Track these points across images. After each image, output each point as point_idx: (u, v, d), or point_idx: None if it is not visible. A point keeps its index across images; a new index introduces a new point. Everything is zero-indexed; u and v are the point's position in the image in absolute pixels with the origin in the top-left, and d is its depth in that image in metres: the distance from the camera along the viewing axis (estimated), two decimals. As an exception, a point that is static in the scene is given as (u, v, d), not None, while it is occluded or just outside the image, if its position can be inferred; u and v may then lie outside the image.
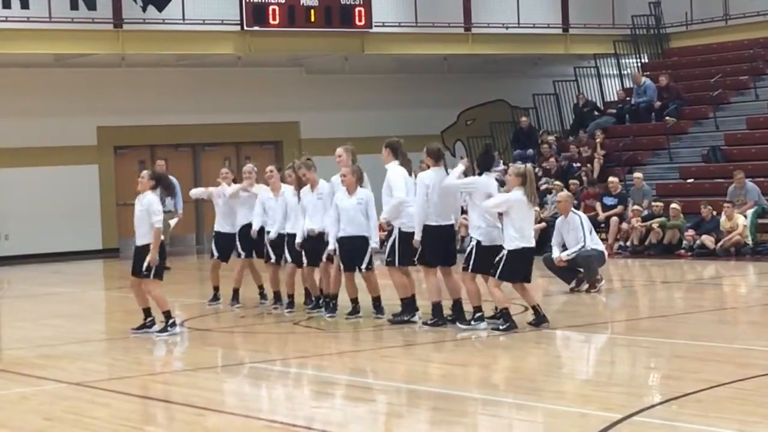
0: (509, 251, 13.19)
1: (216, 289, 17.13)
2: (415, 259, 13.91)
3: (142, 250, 14.06)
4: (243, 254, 16.63)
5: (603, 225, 24.04)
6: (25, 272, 24.56)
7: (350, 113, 30.17)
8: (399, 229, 14.05)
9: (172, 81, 28.56)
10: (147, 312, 14.40)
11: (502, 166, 25.66)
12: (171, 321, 14.23)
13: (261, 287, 16.85)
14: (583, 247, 16.92)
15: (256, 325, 15.25)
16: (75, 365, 12.53)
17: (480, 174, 13.89)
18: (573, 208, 17.69)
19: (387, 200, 14.10)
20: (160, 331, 14.17)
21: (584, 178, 25.94)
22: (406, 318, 14.16)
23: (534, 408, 9.70)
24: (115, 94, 27.71)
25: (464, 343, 13.03)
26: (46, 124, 27.00)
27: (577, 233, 17.02)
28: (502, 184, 22.20)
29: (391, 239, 14.14)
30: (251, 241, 16.39)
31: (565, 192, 19.45)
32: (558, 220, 17.61)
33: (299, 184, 15.43)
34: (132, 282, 14.38)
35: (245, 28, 26.73)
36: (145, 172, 14.56)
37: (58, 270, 24.86)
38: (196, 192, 18.25)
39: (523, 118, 30.23)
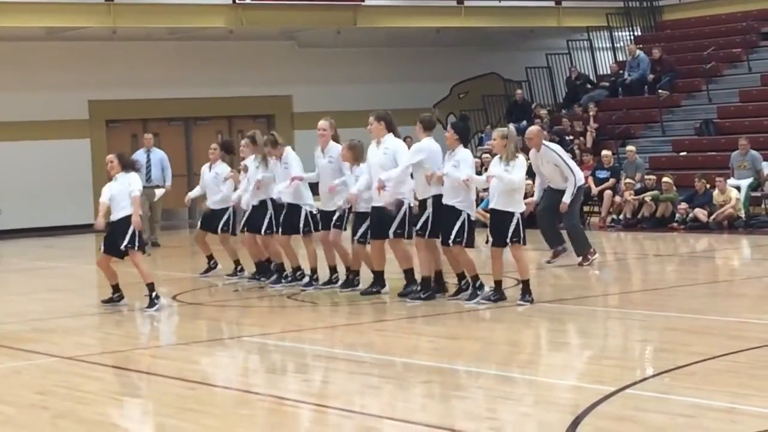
0: (522, 214, 13.25)
1: (209, 258, 17.20)
2: (417, 229, 13.77)
3: (122, 224, 14.09)
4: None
5: (596, 198, 24.07)
6: (18, 246, 24.53)
7: (343, 86, 30.12)
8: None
9: (164, 54, 28.48)
10: (116, 288, 14.51)
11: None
12: (155, 294, 14.24)
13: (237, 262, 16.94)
14: (576, 183, 16.46)
15: (249, 299, 15.23)
16: (67, 339, 12.52)
17: (465, 146, 13.72)
18: (546, 141, 17.09)
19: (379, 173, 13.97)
20: (149, 306, 14.15)
21: (577, 152, 25.90)
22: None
23: (527, 381, 9.71)
24: (107, 68, 27.62)
25: (457, 317, 13.01)
26: (37, 98, 26.92)
27: (552, 164, 16.48)
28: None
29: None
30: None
31: (536, 126, 18.34)
32: (531, 153, 16.71)
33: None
34: (102, 259, 14.40)
35: (237, 1, 26.63)
36: (112, 156, 14.53)
37: (51, 244, 24.84)
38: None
39: (518, 91, 30.24)
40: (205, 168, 17.32)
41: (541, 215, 17.06)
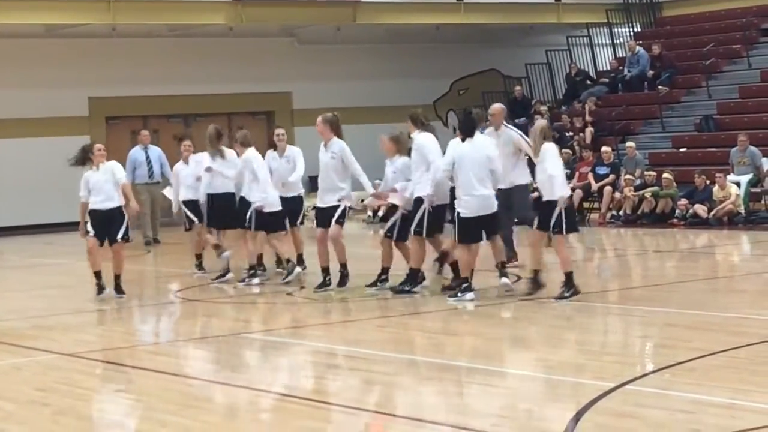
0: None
1: (197, 256, 17.19)
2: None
3: (116, 214, 14.20)
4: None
5: (596, 194, 24.09)
6: (17, 243, 24.52)
7: (342, 83, 30.10)
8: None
9: (164, 51, 28.45)
10: (98, 275, 14.70)
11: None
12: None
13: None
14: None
15: (250, 296, 15.22)
16: (67, 336, 12.52)
17: (463, 140, 13.67)
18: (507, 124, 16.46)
19: (420, 171, 13.99)
20: (118, 293, 14.55)
21: (577, 148, 25.91)
22: (407, 288, 14.09)
23: (528, 377, 9.71)
24: (107, 65, 27.60)
25: (458, 313, 13.02)
26: (37, 95, 26.88)
27: (508, 148, 15.70)
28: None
29: (422, 209, 13.90)
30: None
31: (500, 104, 17.71)
32: (488, 131, 15.71)
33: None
34: (94, 246, 14.52)
35: (236, -2, 26.66)
36: (100, 145, 14.71)
37: (50, 241, 24.82)
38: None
39: (517, 88, 30.23)
40: (179, 166, 17.30)
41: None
